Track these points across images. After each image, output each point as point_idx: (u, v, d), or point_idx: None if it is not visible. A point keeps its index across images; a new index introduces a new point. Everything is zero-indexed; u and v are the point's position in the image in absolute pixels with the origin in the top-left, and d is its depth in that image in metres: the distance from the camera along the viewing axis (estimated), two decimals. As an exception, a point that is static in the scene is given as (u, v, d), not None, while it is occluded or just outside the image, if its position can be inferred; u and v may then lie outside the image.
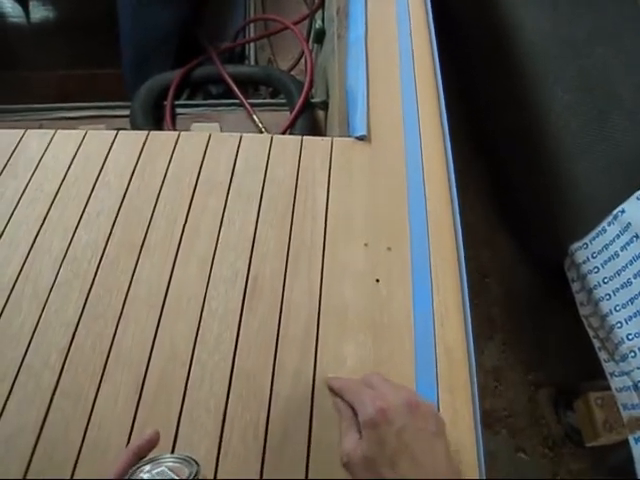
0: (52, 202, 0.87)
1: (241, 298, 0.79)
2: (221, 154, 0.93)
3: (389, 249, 0.85)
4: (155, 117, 1.58)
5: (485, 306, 2.21)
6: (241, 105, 1.64)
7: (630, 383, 1.71)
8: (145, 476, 0.48)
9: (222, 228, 0.85)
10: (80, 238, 0.84)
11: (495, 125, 2.36)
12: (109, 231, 0.84)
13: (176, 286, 0.80)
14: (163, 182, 0.90)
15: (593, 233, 1.88)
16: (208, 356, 0.74)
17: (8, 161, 0.91)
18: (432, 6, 1.28)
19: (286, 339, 0.76)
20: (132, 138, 0.93)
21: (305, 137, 0.96)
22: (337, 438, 0.62)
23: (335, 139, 0.98)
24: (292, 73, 1.85)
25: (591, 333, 1.89)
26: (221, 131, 1.60)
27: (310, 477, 0.65)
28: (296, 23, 1.80)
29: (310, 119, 1.58)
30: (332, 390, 0.68)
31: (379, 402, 0.57)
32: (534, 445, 1.95)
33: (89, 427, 0.66)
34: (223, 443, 0.68)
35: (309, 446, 0.68)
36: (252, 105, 1.63)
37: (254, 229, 0.85)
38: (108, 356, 0.73)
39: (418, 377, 0.74)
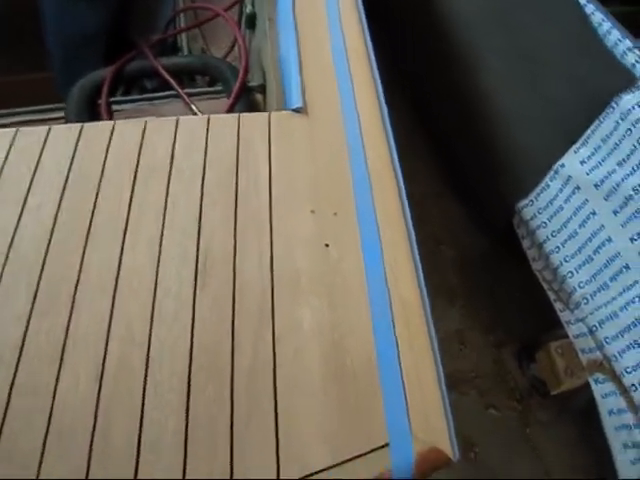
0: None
1: (193, 276, 0.79)
2: (159, 139, 0.93)
3: (335, 214, 0.87)
4: (90, 116, 1.55)
5: (442, 272, 2.25)
6: (178, 96, 1.62)
7: (585, 329, 1.78)
8: None
9: (167, 210, 0.85)
10: (22, 233, 0.82)
11: (432, 93, 2.40)
12: (52, 223, 0.83)
13: (126, 269, 0.79)
14: (103, 171, 0.89)
15: (537, 189, 1.93)
16: (166, 334, 0.74)
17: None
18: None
19: (242, 311, 0.76)
20: (65, 132, 0.91)
21: (242, 114, 0.97)
22: (303, 402, 0.63)
23: (273, 113, 0.98)
24: (228, 60, 1.84)
25: (545, 286, 1.95)
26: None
27: (281, 447, 0.66)
28: (226, 9, 1.79)
29: (248, 103, 1.57)
30: None
31: None
32: (502, 400, 2.01)
33: (52, 416, 0.66)
34: (190, 418, 0.68)
35: (276, 414, 0.68)
36: (189, 95, 1.62)
37: (199, 208, 0.85)
38: (64, 345, 0.73)
39: (377, 338, 0.75)
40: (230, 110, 1.53)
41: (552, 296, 1.94)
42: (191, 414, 0.68)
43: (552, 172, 1.86)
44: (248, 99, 1.59)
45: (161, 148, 0.92)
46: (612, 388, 1.57)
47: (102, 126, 0.92)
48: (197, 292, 0.78)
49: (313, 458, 0.65)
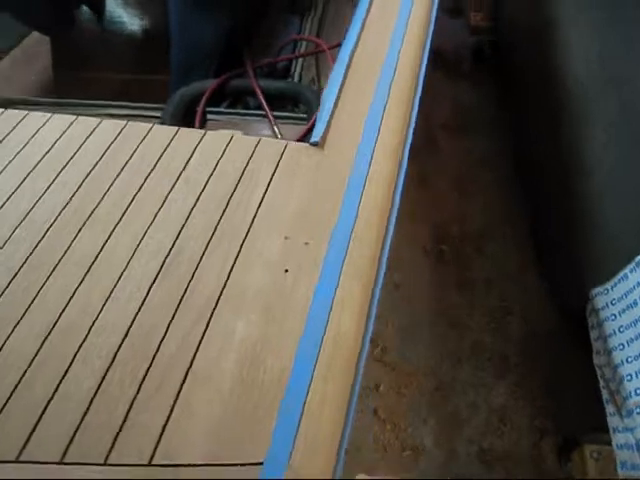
0: (30, 172, 1.02)
1: (158, 268, 0.89)
2: (182, 148, 1.04)
3: (306, 244, 0.92)
4: (184, 121, 1.72)
5: (502, 343, 2.16)
6: (266, 116, 1.75)
7: (633, 441, 1.63)
8: None
9: (161, 209, 0.96)
10: (44, 202, 0.97)
11: (533, 155, 2.33)
12: (68, 199, 0.97)
13: (107, 252, 0.91)
14: (126, 165, 1.02)
15: (615, 279, 1.81)
16: (115, 311, 0.84)
17: (5, 138, 1.08)
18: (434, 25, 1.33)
19: (186, 307, 0.84)
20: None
21: (264, 139, 1.05)
22: (205, 397, 0.69)
23: (290, 143, 1.06)
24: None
25: (602, 383, 1.80)
26: (244, 138, 1.72)
27: (165, 432, 0.72)
28: (332, 47, 1.89)
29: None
30: None
31: None
32: (529, 490, 1.88)
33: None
34: (103, 384, 0.76)
35: (175, 401, 0.75)
36: (275, 117, 1.74)
37: (189, 213, 0.95)
38: (32, 302, 0.85)
39: (296, 362, 0.79)
40: (302, 137, 1.63)
41: (605, 395, 1.80)
42: (105, 382, 0.76)
43: (634, 264, 1.74)
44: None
45: (180, 156, 1.03)
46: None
47: (139, 128, 1.05)
48: (155, 282, 0.87)
49: (187, 451, 0.71)
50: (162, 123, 1.72)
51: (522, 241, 2.48)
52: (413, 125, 1.17)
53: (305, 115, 1.78)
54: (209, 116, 1.80)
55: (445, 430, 2.03)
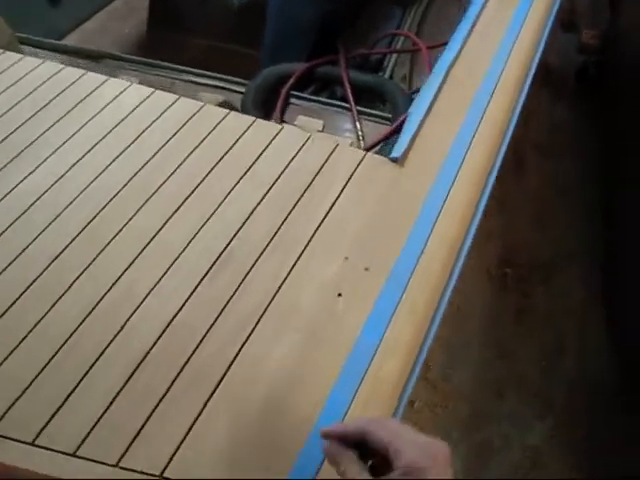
0: (99, 140, 1.00)
1: (209, 266, 0.85)
2: (256, 141, 0.99)
3: (366, 269, 0.86)
4: (265, 101, 1.68)
5: (549, 381, 2.05)
6: (350, 109, 1.69)
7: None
8: None
9: (223, 203, 0.92)
10: (109, 172, 0.95)
11: (626, 187, 2.19)
12: (132, 175, 0.95)
13: (161, 239, 0.88)
14: (196, 149, 0.98)
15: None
16: (157, 305, 0.81)
17: (83, 99, 1.06)
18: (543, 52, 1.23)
19: (228, 315, 0.80)
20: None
21: (341, 145, 0.99)
22: (231, 410, 0.68)
23: (369, 154, 0.99)
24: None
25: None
26: (322, 129, 1.66)
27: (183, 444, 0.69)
28: (431, 47, 1.80)
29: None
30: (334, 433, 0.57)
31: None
32: None
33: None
34: (131, 381, 0.74)
35: (198, 417, 0.71)
36: (359, 112, 1.67)
37: (250, 212, 0.90)
38: (79, 276, 0.83)
39: (332, 395, 0.74)
40: (384, 139, 1.56)
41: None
42: (133, 378, 0.74)
43: None
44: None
45: (254, 149, 0.98)
46: None
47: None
48: (203, 281, 0.83)
49: (199, 472, 0.67)
50: (244, 99, 1.68)
51: (591, 277, 2.35)
52: (504, 151, 1.08)
53: (390, 115, 1.70)
54: (292, 100, 1.75)
55: (474, 459, 1.96)
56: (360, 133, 1.64)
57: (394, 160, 0.99)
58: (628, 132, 2.32)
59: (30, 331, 0.78)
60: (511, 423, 2.02)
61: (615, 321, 2.13)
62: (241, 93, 1.72)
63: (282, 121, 1.65)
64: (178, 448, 0.69)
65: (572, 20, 3.16)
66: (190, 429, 0.71)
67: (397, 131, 1.55)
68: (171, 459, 0.68)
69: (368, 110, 1.72)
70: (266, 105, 1.69)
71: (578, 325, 2.24)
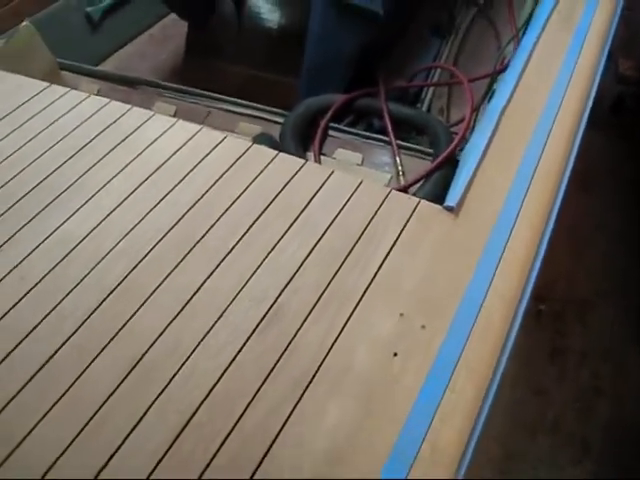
0: (142, 182, 0.97)
1: (259, 320, 0.81)
2: (306, 185, 0.96)
3: (423, 327, 0.81)
4: (304, 133, 1.65)
5: (586, 425, 1.98)
6: (390, 143, 1.65)
7: None
8: None
9: (273, 251, 0.88)
10: (151, 218, 0.92)
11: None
12: (176, 221, 0.91)
13: (207, 289, 0.84)
14: (243, 193, 0.95)
15: None
16: (204, 362, 0.77)
17: (128, 137, 1.03)
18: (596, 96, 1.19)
19: (279, 374, 0.76)
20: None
21: (394, 191, 0.95)
22: None
23: (422, 202, 0.95)
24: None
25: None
26: (362, 163, 1.63)
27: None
28: (472, 80, 1.77)
29: (450, 176, 1.54)
30: None
31: None
32: None
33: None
34: (174, 446, 0.70)
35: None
36: (399, 147, 1.63)
37: (300, 263, 0.86)
38: (119, 332, 0.80)
39: (387, 466, 0.69)
40: (427, 175, 1.52)
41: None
42: (177, 443, 0.70)
43: None
44: (451, 171, 1.55)
45: (306, 191, 0.94)
46: None
47: (264, 154, 0.98)
48: (252, 337, 0.79)
49: None
50: (283, 130, 1.66)
51: (629, 316, 2.28)
52: (562, 196, 1.04)
53: (430, 150, 1.66)
54: (330, 132, 1.72)
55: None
56: (400, 168, 1.60)
57: (449, 209, 0.94)
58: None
59: (63, 394, 0.74)
60: (546, 468, 1.95)
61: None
62: (279, 123, 1.70)
63: (320, 153, 1.62)
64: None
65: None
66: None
67: (439, 167, 1.51)
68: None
69: (407, 144, 1.69)
70: (305, 136, 1.67)
71: (615, 365, 2.16)
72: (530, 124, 1.09)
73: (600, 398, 2.11)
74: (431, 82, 1.96)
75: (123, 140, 1.04)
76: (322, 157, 1.57)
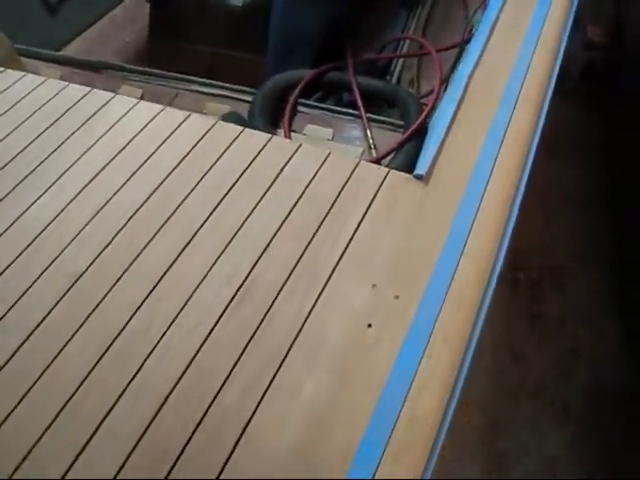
0: (108, 162, 0.95)
1: (230, 298, 0.80)
2: (272, 161, 0.94)
3: (397, 297, 0.81)
4: (273, 110, 1.63)
5: (566, 390, 2.01)
6: (360, 117, 1.64)
7: None
8: None
9: (242, 228, 0.87)
10: (117, 201, 0.90)
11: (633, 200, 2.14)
12: (144, 199, 0.89)
13: (178, 269, 0.83)
14: (209, 170, 0.93)
15: None
16: (176, 344, 0.76)
17: (90, 118, 1.00)
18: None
19: (253, 352, 0.75)
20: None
21: (363, 162, 0.94)
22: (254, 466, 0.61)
23: (392, 171, 0.94)
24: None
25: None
26: (332, 138, 1.61)
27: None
28: (441, 50, 1.75)
29: (421, 146, 1.53)
30: None
31: None
32: None
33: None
34: (151, 428, 0.69)
35: (223, 467, 0.66)
36: (369, 120, 1.62)
37: (270, 238, 0.85)
38: (90, 314, 0.78)
39: (364, 440, 0.69)
40: (397, 148, 1.51)
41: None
42: (153, 425, 0.69)
43: None
44: (422, 142, 1.55)
45: (272, 168, 0.93)
46: None
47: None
48: (224, 315, 0.78)
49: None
50: (251, 108, 1.63)
51: (605, 281, 2.31)
52: (531, 161, 1.03)
53: (401, 122, 1.65)
54: (300, 108, 1.69)
55: (491, 470, 1.92)
56: (371, 141, 1.58)
57: (419, 177, 0.94)
58: (637, 129, 2.28)
59: (38, 379, 0.72)
60: (529, 433, 1.98)
61: (630, 326, 2.09)
62: (248, 102, 1.67)
63: (290, 130, 1.61)
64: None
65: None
66: (219, 477, 0.66)
67: (410, 139, 1.50)
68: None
69: (378, 117, 1.67)
70: (274, 114, 1.64)
71: (592, 330, 2.20)
72: (497, 90, 1.09)
73: (579, 362, 2.14)
74: (400, 54, 1.94)
75: (84, 123, 1.01)
76: (292, 134, 1.55)
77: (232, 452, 0.68)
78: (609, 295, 2.25)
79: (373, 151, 1.54)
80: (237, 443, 0.68)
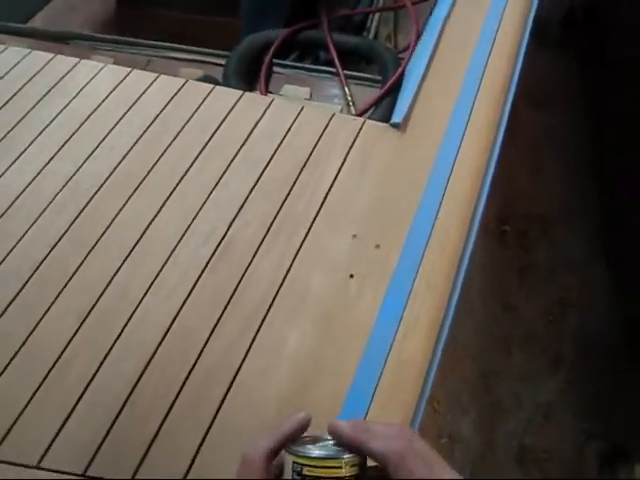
0: (77, 129, 0.92)
1: (208, 257, 0.79)
2: (246, 116, 0.92)
3: (377, 246, 0.80)
4: (248, 71, 1.59)
5: (557, 336, 2.03)
6: (337, 74, 1.61)
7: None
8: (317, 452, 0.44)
9: (217, 186, 0.85)
10: (89, 165, 0.88)
11: (621, 139, 2.13)
12: (115, 164, 0.87)
13: (153, 231, 0.81)
14: (181, 130, 0.91)
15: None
16: (156, 306, 0.75)
17: (56, 85, 0.97)
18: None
19: (234, 309, 0.74)
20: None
21: (338, 114, 0.93)
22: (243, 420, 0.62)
23: (368, 121, 0.93)
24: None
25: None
26: (310, 97, 1.59)
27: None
28: (416, 3, 1.71)
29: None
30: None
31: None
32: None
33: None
34: (136, 391, 0.68)
35: (212, 422, 0.66)
36: (347, 77, 1.59)
37: (247, 196, 0.84)
38: (68, 282, 0.76)
39: (354, 383, 0.69)
40: (376, 103, 1.48)
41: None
42: (138, 388, 0.68)
43: None
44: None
45: (245, 125, 0.91)
46: None
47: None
48: (202, 275, 0.77)
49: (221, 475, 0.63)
50: (225, 71, 1.60)
51: (592, 230, 2.32)
52: (509, 107, 1.02)
53: (380, 77, 1.62)
54: (275, 68, 1.66)
55: (486, 421, 1.94)
56: (350, 98, 1.56)
57: (395, 126, 0.92)
58: (618, 77, 2.26)
59: (17, 353, 0.71)
60: (522, 381, 2.01)
61: (617, 274, 2.10)
62: (222, 65, 1.63)
63: (267, 91, 1.57)
64: (195, 458, 0.64)
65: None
66: (205, 437, 0.66)
67: (389, 93, 1.48)
68: (189, 469, 0.63)
69: (356, 73, 1.64)
70: (249, 76, 1.61)
71: (581, 278, 2.21)
72: (473, 34, 1.07)
73: (569, 310, 2.16)
74: (375, 8, 1.90)
75: (50, 90, 0.98)
76: (269, 95, 1.52)
77: (220, 407, 0.68)
78: (595, 243, 2.26)
79: (352, 108, 1.51)
80: (224, 398, 0.68)
